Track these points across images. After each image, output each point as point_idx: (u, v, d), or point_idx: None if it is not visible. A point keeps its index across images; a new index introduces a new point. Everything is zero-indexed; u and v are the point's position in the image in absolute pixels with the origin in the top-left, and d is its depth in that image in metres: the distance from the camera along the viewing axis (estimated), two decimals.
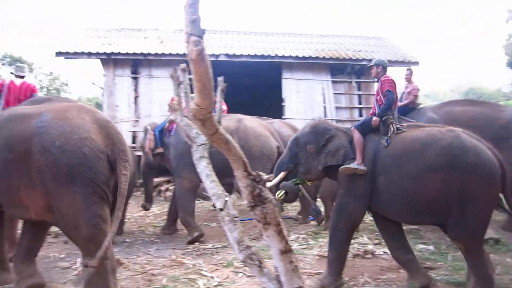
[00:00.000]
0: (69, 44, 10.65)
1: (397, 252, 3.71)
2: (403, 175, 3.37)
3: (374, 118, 3.78)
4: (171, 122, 6.27)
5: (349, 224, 3.65)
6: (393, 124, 3.64)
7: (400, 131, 3.60)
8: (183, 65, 2.94)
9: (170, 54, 10.28)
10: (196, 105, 1.58)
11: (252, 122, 6.03)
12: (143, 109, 10.17)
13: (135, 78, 10.66)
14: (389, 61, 11.15)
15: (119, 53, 10.15)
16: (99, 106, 27.12)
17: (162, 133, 6.28)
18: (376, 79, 4.19)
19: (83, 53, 10.08)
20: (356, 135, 3.70)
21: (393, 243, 3.76)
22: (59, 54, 10.09)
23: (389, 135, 3.57)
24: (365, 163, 3.55)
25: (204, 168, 2.21)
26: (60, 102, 3.45)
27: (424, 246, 4.85)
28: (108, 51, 10.16)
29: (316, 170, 3.82)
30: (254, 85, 13.94)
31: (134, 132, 10.23)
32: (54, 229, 6.27)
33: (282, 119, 10.51)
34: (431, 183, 3.26)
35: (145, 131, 6.66)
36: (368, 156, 3.59)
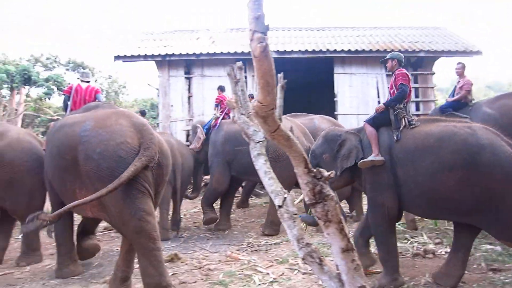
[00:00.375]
0: (126, 48, 11.16)
1: None
2: (418, 170, 3.34)
3: (379, 105, 3.96)
4: (216, 119, 6.72)
5: (385, 217, 3.57)
6: (405, 118, 3.61)
7: (413, 125, 3.58)
8: (239, 63, 2.97)
9: (222, 53, 10.44)
10: (258, 102, 1.59)
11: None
12: (196, 108, 10.43)
13: (188, 78, 10.95)
14: (450, 51, 10.69)
15: (173, 55, 10.48)
16: (154, 106, 28.29)
17: (208, 130, 6.63)
18: (391, 72, 4.12)
19: (139, 56, 10.52)
20: (369, 129, 3.73)
21: None
22: (117, 58, 10.61)
23: (401, 129, 3.57)
24: (382, 154, 3.56)
25: (262, 165, 2.21)
26: (104, 109, 3.78)
27: (490, 247, 4.54)
28: (163, 53, 10.52)
29: (337, 177, 3.74)
30: (306, 81, 13.80)
31: (188, 130, 10.52)
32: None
33: (335, 115, 10.35)
34: (447, 181, 3.21)
35: (194, 128, 7.04)
36: (384, 147, 3.59)
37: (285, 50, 10.54)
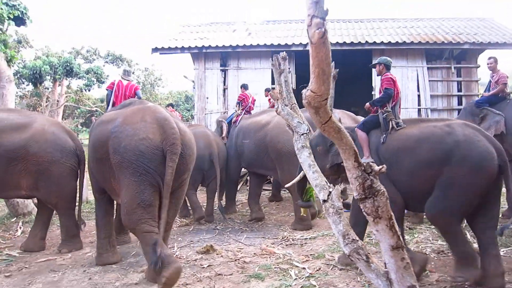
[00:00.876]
0: (163, 40, 11.32)
1: None
2: (401, 170, 3.57)
3: (366, 104, 4.36)
4: (237, 116, 7.21)
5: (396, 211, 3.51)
6: (393, 121, 3.82)
7: (399, 127, 3.78)
8: (283, 54, 2.91)
9: (258, 46, 10.39)
10: (311, 91, 1.52)
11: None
12: (231, 100, 10.44)
13: (223, 71, 10.99)
14: (497, 43, 10.14)
15: (209, 47, 10.53)
16: (188, 98, 28.72)
17: (230, 125, 7.11)
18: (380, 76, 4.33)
19: (176, 48, 10.64)
20: (359, 133, 3.98)
21: None
22: (154, 50, 10.78)
23: (388, 131, 3.80)
24: (372, 156, 3.81)
25: (306, 158, 2.15)
26: (134, 106, 4.11)
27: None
28: (199, 45, 10.59)
29: (327, 169, 4.03)
30: (343, 74, 13.49)
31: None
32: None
33: None
34: (426, 178, 3.45)
35: (218, 123, 7.53)
36: (373, 149, 3.85)
37: None
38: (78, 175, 5.03)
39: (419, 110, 10.46)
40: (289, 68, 10.52)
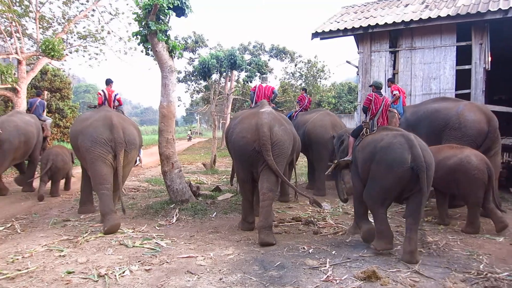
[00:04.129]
0: (324, 24, 10.36)
1: None
2: (358, 165, 4.80)
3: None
4: (295, 112, 8.78)
5: (357, 195, 4.98)
6: (366, 129, 4.96)
7: (371, 133, 4.85)
8: None
9: (438, 18, 8.41)
10: None
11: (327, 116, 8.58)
12: (403, 86, 8.78)
13: (393, 53, 9.41)
14: None
15: (376, 26, 9.10)
16: (351, 90, 27.25)
17: (290, 119, 7.89)
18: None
19: (338, 30, 9.56)
20: (350, 138, 5.34)
21: None
22: (315, 35, 9.94)
23: (361, 137, 4.97)
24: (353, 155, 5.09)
25: None
26: (251, 109, 5.96)
27: None
28: (365, 25, 9.26)
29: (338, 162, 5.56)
30: None
31: None
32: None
33: None
34: (365, 171, 4.59)
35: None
36: (354, 150, 5.03)
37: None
38: None
39: None
40: (480, 44, 8.43)
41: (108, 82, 6.90)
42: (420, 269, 3.80)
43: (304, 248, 4.50)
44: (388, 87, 7.79)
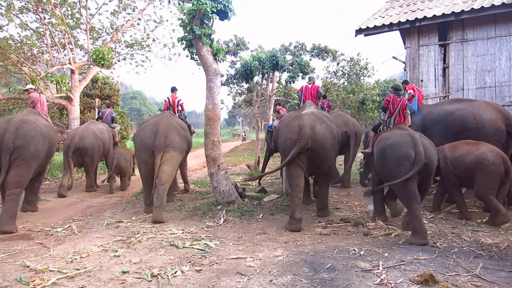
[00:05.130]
0: (368, 20, 10.09)
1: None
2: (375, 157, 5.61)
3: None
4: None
5: (375, 183, 5.89)
6: (383, 126, 5.85)
7: (387, 130, 5.69)
8: None
9: (492, 7, 7.94)
10: None
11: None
12: (454, 82, 8.39)
13: (443, 46, 8.98)
14: None
15: (424, 19, 8.74)
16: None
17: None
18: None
19: (383, 25, 9.27)
20: (370, 133, 6.29)
21: None
22: (358, 32, 9.70)
23: (378, 133, 5.84)
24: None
25: None
26: (297, 112, 6.45)
27: None
28: (412, 19, 8.91)
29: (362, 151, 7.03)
30: None
31: None
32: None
33: None
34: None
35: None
36: (375, 143, 5.75)
37: None
38: None
39: None
40: None
41: (173, 89, 8.06)
42: (481, 273, 3.57)
43: (354, 250, 4.37)
44: (404, 89, 7.74)
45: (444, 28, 9.00)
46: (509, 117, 6.31)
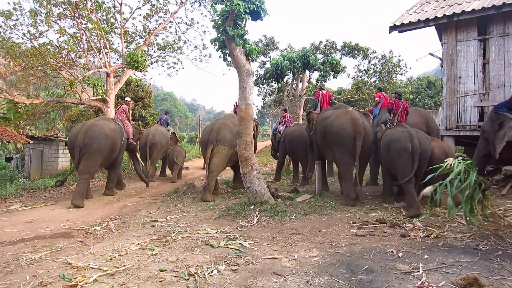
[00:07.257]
0: (403, 16, 9.83)
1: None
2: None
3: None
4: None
5: (387, 176, 7.31)
6: (388, 124, 7.23)
7: (391, 128, 7.10)
8: None
9: None
10: None
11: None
12: (494, 78, 8.04)
13: (482, 41, 8.63)
14: None
15: (462, 13, 8.43)
16: (431, 84, 25.55)
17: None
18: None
19: (419, 21, 9.01)
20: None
21: None
22: (393, 28, 9.48)
23: (385, 129, 7.21)
24: None
25: None
26: (340, 109, 7.62)
27: None
28: (449, 13, 8.61)
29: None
30: None
31: (481, 107, 8.31)
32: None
33: None
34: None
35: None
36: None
37: None
38: None
39: None
40: None
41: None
42: None
43: (392, 251, 4.26)
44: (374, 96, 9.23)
45: (483, 22, 8.64)
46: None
